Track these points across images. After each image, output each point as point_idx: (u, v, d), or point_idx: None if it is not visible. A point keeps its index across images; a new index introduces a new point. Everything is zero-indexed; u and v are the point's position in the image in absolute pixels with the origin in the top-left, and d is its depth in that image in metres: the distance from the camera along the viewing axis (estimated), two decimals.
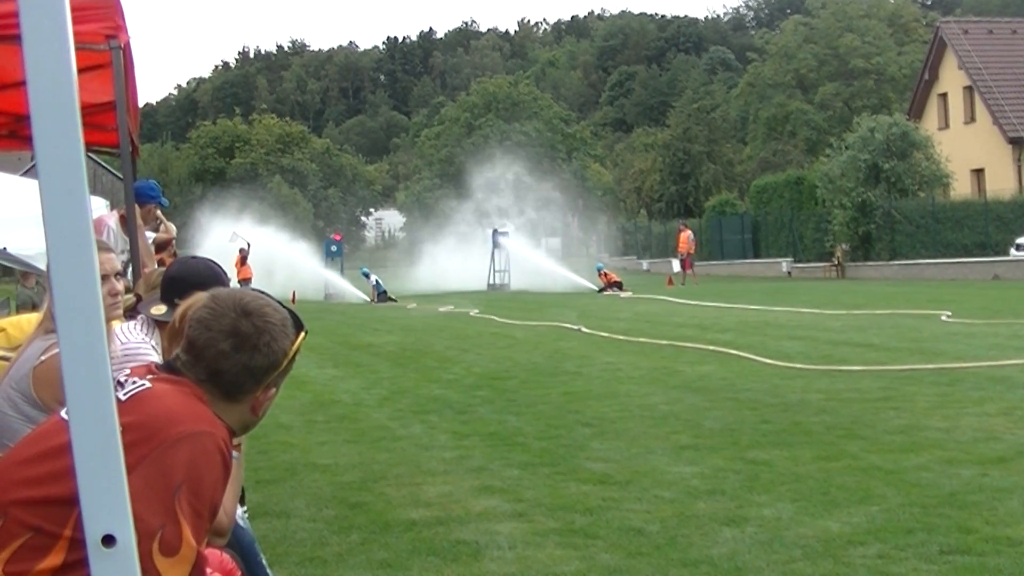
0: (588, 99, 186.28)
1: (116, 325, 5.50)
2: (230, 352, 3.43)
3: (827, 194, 56.55)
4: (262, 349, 3.46)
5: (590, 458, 10.91)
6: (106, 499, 1.88)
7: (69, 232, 1.91)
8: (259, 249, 47.58)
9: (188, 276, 5.48)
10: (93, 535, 1.86)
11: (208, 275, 5.56)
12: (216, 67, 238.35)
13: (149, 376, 3.42)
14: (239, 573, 4.04)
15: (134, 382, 3.36)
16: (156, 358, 5.07)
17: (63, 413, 3.34)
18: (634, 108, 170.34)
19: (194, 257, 6.36)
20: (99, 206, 16.19)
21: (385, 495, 9.65)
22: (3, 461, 3.44)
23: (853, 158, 54.32)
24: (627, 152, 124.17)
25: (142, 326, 5.55)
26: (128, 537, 1.87)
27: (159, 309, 5.47)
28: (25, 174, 27.68)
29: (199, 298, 3.57)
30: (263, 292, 3.70)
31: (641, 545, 7.73)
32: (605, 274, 50.66)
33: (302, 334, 3.65)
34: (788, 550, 7.47)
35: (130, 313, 5.98)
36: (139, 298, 5.98)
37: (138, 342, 5.34)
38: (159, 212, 12.57)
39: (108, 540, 1.88)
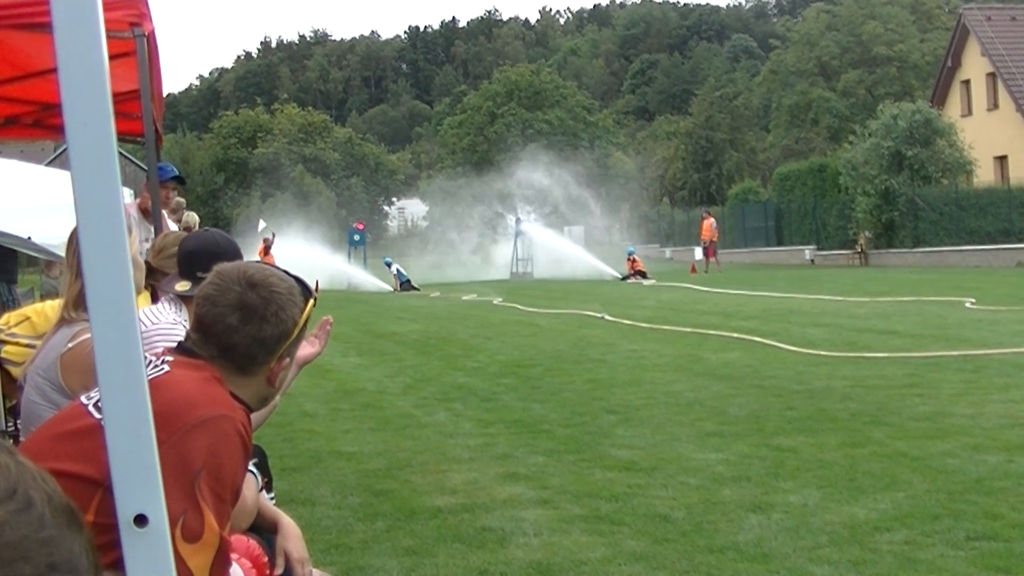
0: (610, 87, 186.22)
1: (144, 306, 5.49)
2: (238, 325, 3.41)
3: (850, 181, 56.41)
4: (270, 319, 3.44)
5: (615, 445, 10.91)
6: (138, 478, 1.89)
7: (101, 220, 1.92)
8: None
9: (207, 248, 5.45)
10: (125, 515, 1.87)
11: (227, 245, 5.55)
12: (238, 57, 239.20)
13: (166, 359, 3.41)
14: (266, 558, 4.04)
15: (151, 365, 3.35)
16: None
17: (83, 399, 3.34)
18: (656, 96, 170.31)
19: (207, 229, 6.36)
20: (124, 195, 16.20)
21: (410, 482, 9.66)
22: (28, 440, 3.45)
23: (876, 145, 54.16)
24: (649, 140, 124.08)
25: (171, 304, 5.53)
26: (160, 516, 1.88)
27: (183, 285, 5.45)
28: (49, 163, 27.72)
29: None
30: (271, 264, 3.69)
31: (667, 531, 7.72)
32: (633, 260, 50.43)
33: (311, 301, 3.63)
34: (814, 536, 7.46)
35: (154, 296, 5.97)
36: (149, 266, 5.96)
37: (170, 323, 5.33)
38: (179, 198, 12.57)
39: (140, 520, 1.89)
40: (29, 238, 13.42)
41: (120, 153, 1.99)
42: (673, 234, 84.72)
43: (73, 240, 5.04)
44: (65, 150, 1.93)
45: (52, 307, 6.96)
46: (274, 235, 46.43)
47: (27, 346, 6.73)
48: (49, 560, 1.40)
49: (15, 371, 6.79)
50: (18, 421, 7.14)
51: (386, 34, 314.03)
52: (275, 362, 3.50)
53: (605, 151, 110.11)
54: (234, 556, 3.53)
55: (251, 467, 4.04)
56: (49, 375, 4.97)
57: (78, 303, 5.08)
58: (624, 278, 49.14)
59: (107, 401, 1.88)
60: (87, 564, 1.46)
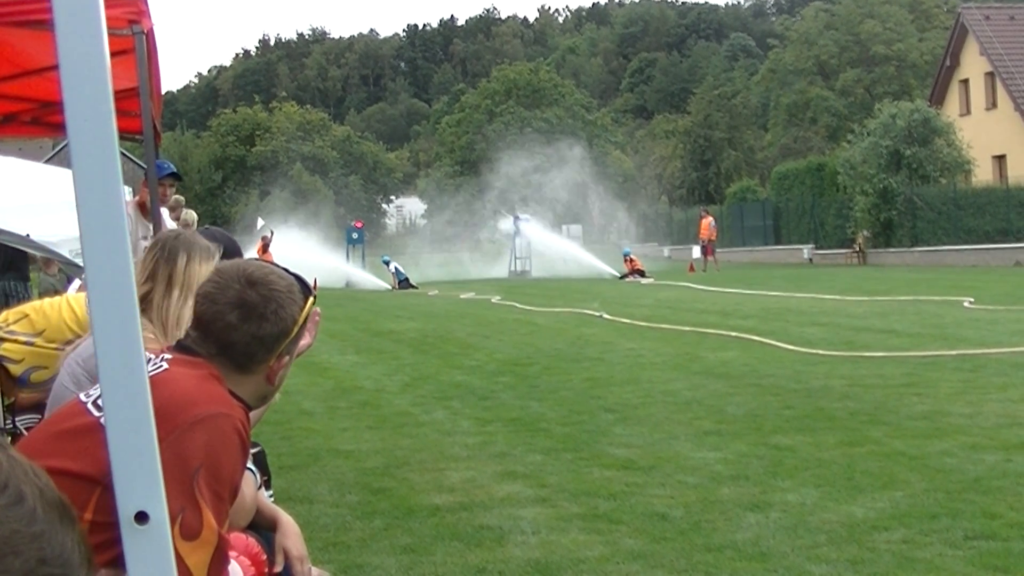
0: (609, 86, 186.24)
1: None
2: (238, 323, 3.39)
3: (848, 180, 56.45)
4: (270, 317, 3.41)
5: (613, 443, 10.90)
6: (139, 476, 1.89)
7: (103, 217, 1.92)
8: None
9: None
10: (126, 512, 1.87)
11: (227, 243, 5.55)
12: (237, 55, 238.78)
13: (164, 357, 3.40)
14: (265, 556, 4.04)
15: (150, 362, 3.33)
16: None
17: (82, 396, 3.33)
18: (655, 95, 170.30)
19: (206, 227, 6.36)
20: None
21: (408, 480, 9.66)
22: (27, 438, 3.44)
23: (874, 144, 54.17)
24: (648, 139, 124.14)
25: None
26: (161, 513, 1.88)
27: None
28: (48, 161, 27.69)
29: None
30: (270, 262, 3.66)
31: (665, 530, 7.72)
32: (631, 260, 50.48)
33: (311, 299, 3.61)
34: (812, 535, 7.46)
35: None
36: None
37: None
38: (178, 196, 12.55)
39: (141, 517, 1.89)
40: (28, 235, 13.42)
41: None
42: (671, 233, 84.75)
43: (156, 243, 4.99)
44: (64, 147, 1.94)
45: (51, 304, 6.95)
46: (272, 233, 46.43)
47: (25, 343, 6.73)
48: (40, 555, 1.41)
49: (14, 368, 6.79)
50: (16, 419, 7.13)
51: (384, 32, 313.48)
52: (274, 360, 3.48)
53: (603, 150, 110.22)
54: (233, 554, 3.52)
55: (250, 465, 4.03)
56: (88, 365, 4.95)
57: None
58: (622, 277, 49.16)
59: (108, 398, 1.88)
60: (79, 559, 1.46)
